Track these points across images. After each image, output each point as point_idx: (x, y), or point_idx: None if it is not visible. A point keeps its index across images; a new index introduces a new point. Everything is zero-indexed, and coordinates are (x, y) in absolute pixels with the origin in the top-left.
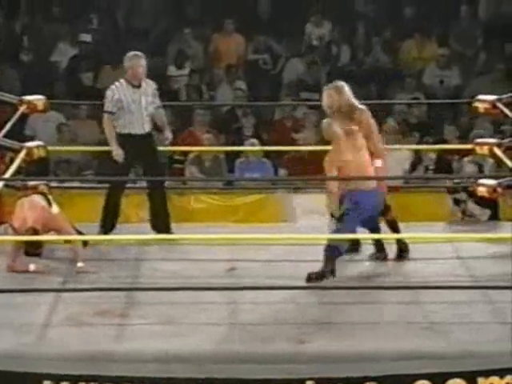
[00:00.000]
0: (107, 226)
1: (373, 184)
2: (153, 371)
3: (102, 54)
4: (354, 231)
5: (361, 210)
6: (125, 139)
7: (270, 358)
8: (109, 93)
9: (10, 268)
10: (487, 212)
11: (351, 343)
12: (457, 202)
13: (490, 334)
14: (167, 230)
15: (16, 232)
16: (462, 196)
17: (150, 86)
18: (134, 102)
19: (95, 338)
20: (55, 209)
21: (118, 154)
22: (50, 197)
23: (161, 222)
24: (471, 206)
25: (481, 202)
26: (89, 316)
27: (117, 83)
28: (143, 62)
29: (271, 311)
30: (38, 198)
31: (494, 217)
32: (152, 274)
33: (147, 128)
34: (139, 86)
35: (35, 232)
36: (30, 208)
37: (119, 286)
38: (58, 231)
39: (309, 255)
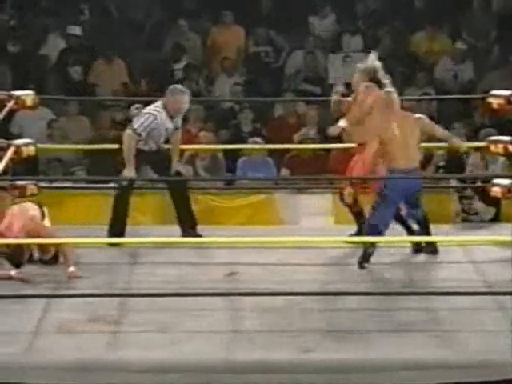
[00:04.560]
0: (116, 231)
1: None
2: (148, 381)
3: (94, 47)
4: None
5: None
6: (141, 154)
7: (272, 367)
8: (149, 117)
9: None
10: (492, 210)
11: (358, 352)
12: (462, 198)
13: (504, 342)
14: (194, 231)
15: (1, 236)
16: (469, 193)
17: (180, 115)
18: (165, 130)
19: (87, 346)
20: (47, 222)
21: (129, 175)
22: (46, 210)
23: (185, 224)
24: (476, 204)
25: (486, 200)
26: (81, 323)
27: (159, 110)
28: (187, 98)
29: (273, 318)
30: (29, 206)
31: (497, 217)
32: (147, 279)
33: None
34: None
35: (17, 245)
36: (18, 215)
37: (113, 292)
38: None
39: (313, 258)
